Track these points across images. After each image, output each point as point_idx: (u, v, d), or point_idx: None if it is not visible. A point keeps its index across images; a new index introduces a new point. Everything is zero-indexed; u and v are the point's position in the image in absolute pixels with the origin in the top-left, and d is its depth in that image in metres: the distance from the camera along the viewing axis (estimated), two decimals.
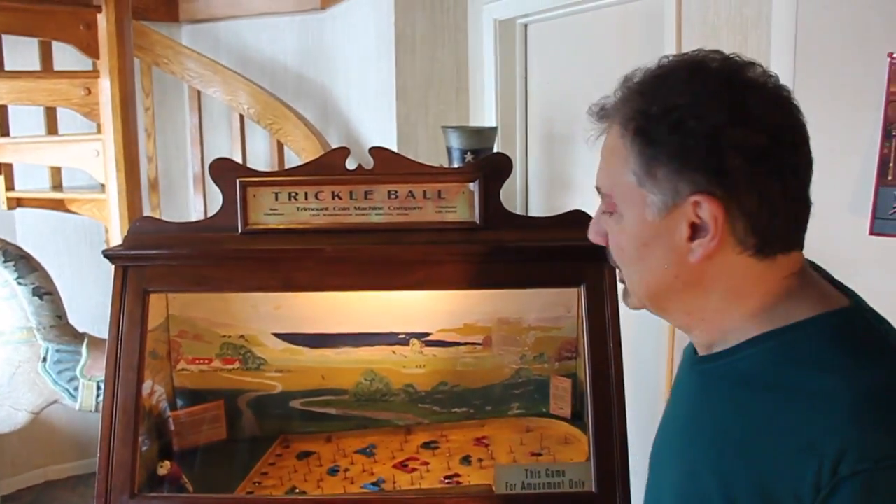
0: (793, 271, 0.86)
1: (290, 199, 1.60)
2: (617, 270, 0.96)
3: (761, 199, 0.81)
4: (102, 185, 2.82)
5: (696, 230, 0.83)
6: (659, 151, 0.83)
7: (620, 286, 0.98)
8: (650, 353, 2.16)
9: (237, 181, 1.60)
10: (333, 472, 1.71)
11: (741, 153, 0.80)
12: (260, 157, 3.51)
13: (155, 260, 1.58)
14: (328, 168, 1.61)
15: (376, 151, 1.61)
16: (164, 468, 1.61)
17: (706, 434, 0.87)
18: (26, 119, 3.30)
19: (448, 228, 1.60)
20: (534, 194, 2.81)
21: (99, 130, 2.73)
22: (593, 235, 0.96)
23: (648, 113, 0.83)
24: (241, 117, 3.33)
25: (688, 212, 0.83)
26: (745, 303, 0.86)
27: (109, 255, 1.60)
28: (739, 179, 0.80)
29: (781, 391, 0.80)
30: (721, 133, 0.80)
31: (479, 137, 2.48)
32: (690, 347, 0.97)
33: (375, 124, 3.10)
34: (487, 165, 1.63)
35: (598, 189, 0.94)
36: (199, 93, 3.41)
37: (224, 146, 3.51)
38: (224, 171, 1.62)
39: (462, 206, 1.60)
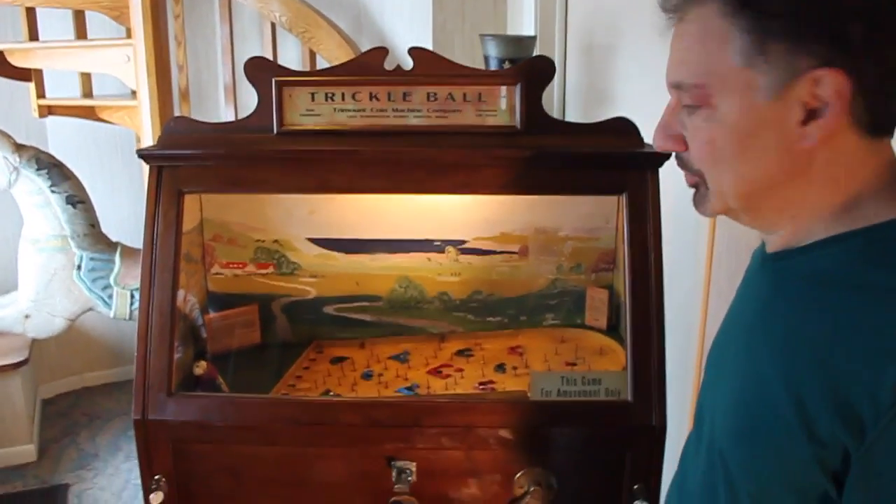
0: (891, 159, 0.81)
1: (326, 99, 1.56)
2: (686, 176, 0.90)
3: (883, 70, 0.75)
4: (133, 93, 2.80)
5: (810, 112, 0.77)
6: (772, 24, 0.76)
7: (693, 192, 0.91)
8: (687, 267, 2.12)
9: (273, 81, 1.56)
10: (367, 376, 1.71)
11: (863, 18, 0.73)
12: (291, 67, 3.45)
13: (189, 160, 1.56)
14: (366, 68, 1.56)
15: (416, 52, 1.56)
16: (201, 368, 1.63)
17: (777, 333, 0.83)
18: (55, 24, 3.26)
19: (488, 132, 1.55)
20: (571, 106, 2.74)
21: (129, 35, 2.70)
22: (663, 141, 0.89)
23: None
24: (273, 26, 3.26)
25: (802, 92, 0.76)
26: (840, 193, 0.81)
27: (144, 154, 1.58)
28: (861, 49, 0.73)
29: (867, 291, 0.76)
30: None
31: (518, 46, 2.41)
32: (761, 247, 0.93)
33: (410, 33, 3.02)
34: (529, 69, 1.57)
35: (675, 85, 0.86)
36: (229, 0, 3.34)
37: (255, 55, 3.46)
38: (259, 71, 1.58)
39: (502, 109, 1.55)
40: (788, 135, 0.79)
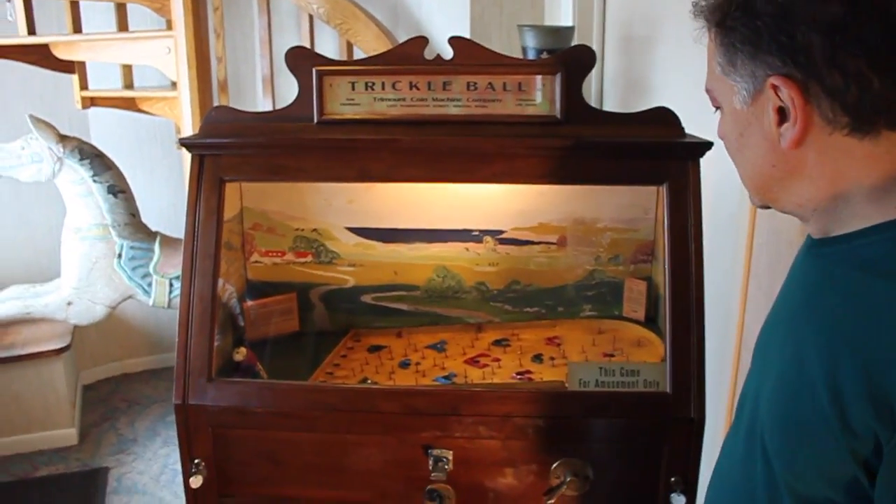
0: None
1: (366, 88, 1.57)
2: None
3: (845, 74, 0.76)
4: (174, 84, 2.83)
5: (782, 115, 0.82)
6: (734, 38, 0.83)
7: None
8: (725, 258, 2.10)
9: (313, 70, 1.57)
10: (405, 365, 1.72)
11: (814, 28, 0.76)
12: None
13: (231, 149, 1.57)
14: (406, 58, 1.57)
15: (456, 41, 1.55)
16: (241, 354, 1.65)
17: (820, 320, 0.83)
18: (98, 17, 3.31)
19: (528, 122, 1.55)
20: (609, 98, 2.72)
21: (169, 27, 2.73)
22: (719, 134, 0.97)
23: (724, 1, 0.85)
24: (311, 18, 3.27)
25: (771, 96, 0.82)
26: (859, 187, 0.82)
27: (186, 143, 1.59)
28: (816, 56, 0.77)
29: None
30: (791, 9, 0.77)
31: (556, 37, 2.39)
32: (809, 234, 0.93)
33: (447, 25, 3.02)
34: (569, 58, 1.57)
35: (706, 90, 0.95)
36: None
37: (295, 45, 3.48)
38: (300, 60, 1.59)
39: (542, 99, 1.55)
40: (769, 136, 0.85)
